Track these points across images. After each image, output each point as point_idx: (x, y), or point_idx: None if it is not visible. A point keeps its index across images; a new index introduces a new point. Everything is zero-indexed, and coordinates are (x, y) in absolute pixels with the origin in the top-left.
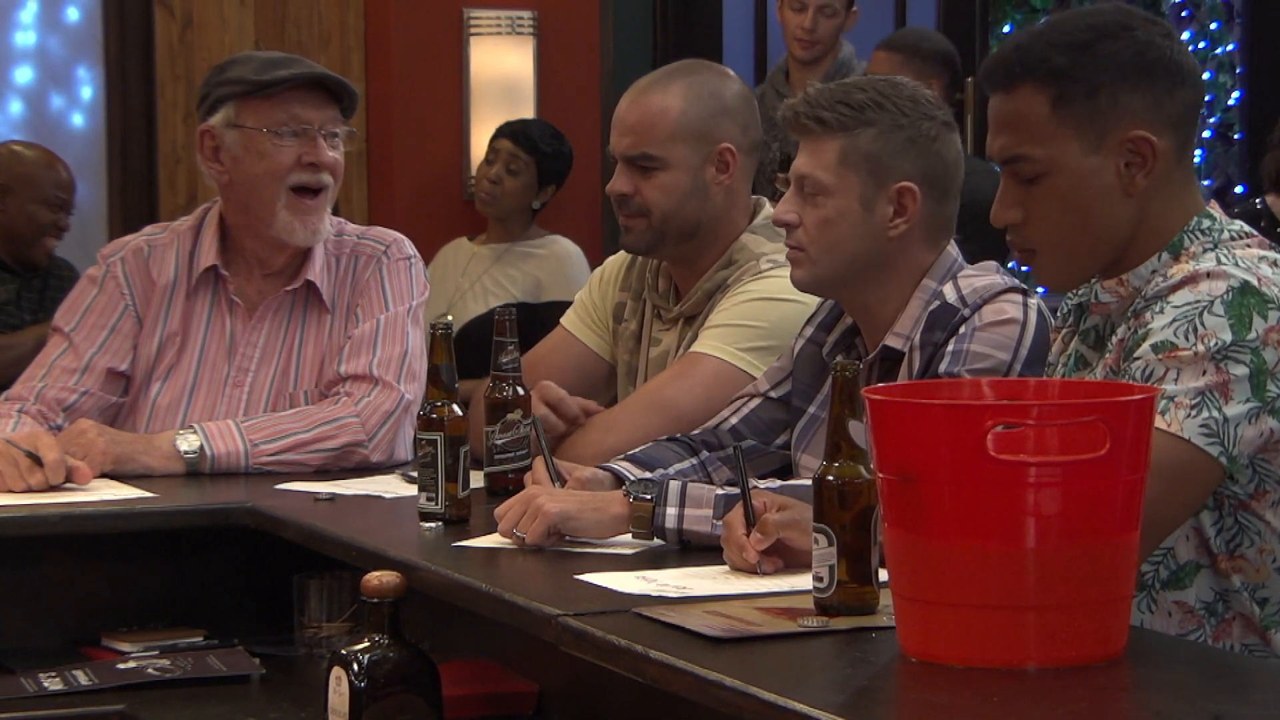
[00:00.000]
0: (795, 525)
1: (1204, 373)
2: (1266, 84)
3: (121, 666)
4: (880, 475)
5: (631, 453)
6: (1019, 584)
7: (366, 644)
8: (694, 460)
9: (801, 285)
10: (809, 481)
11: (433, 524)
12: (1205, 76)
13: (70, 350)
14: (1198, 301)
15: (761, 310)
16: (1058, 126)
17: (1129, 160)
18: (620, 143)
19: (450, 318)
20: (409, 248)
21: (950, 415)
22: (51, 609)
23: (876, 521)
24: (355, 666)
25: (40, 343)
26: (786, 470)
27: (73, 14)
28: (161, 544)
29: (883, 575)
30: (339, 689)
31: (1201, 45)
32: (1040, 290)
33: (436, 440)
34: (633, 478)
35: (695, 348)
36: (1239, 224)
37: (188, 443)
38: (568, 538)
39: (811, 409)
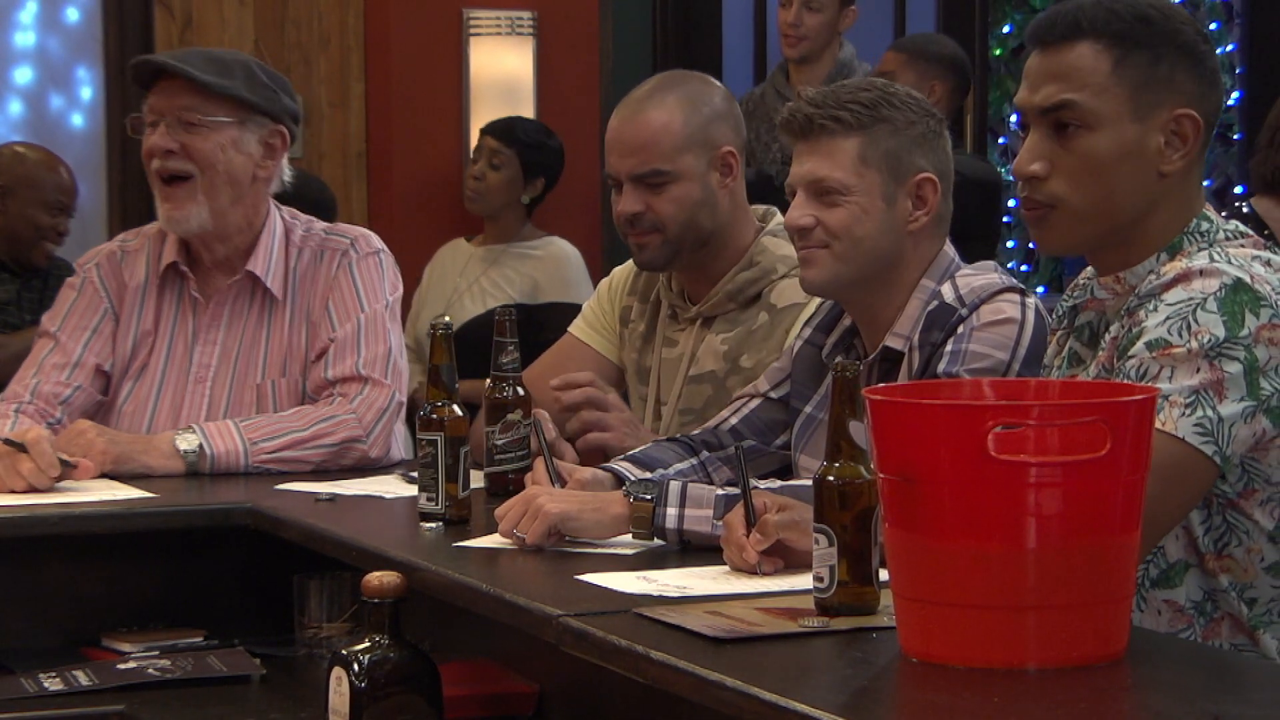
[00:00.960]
0: (795, 526)
1: (1198, 370)
2: (1266, 84)
3: (121, 667)
4: (881, 475)
5: (632, 453)
6: (1019, 584)
7: (367, 644)
8: (694, 460)
9: (817, 286)
10: (809, 482)
11: (433, 524)
12: None
13: (58, 348)
14: (1191, 299)
15: None
16: (1115, 85)
17: (1167, 139)
18: (625, 163)
19: (449, 318)
20: (376, 241)
21: (951, 415)
22: (51, 609)
23: (877, 522)
24: (356, 667)
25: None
26: (786, 470)
27: (72, 14)
28: (162, 544)
29: (883, 575)
30: (339, 689)
31: None
32: (1040, 290)
33: (437, 440)
34: (633, 478)
35: None
36: (1235, 224)
37: (187, 442)
38: (568, 538)
39: (808, 409)
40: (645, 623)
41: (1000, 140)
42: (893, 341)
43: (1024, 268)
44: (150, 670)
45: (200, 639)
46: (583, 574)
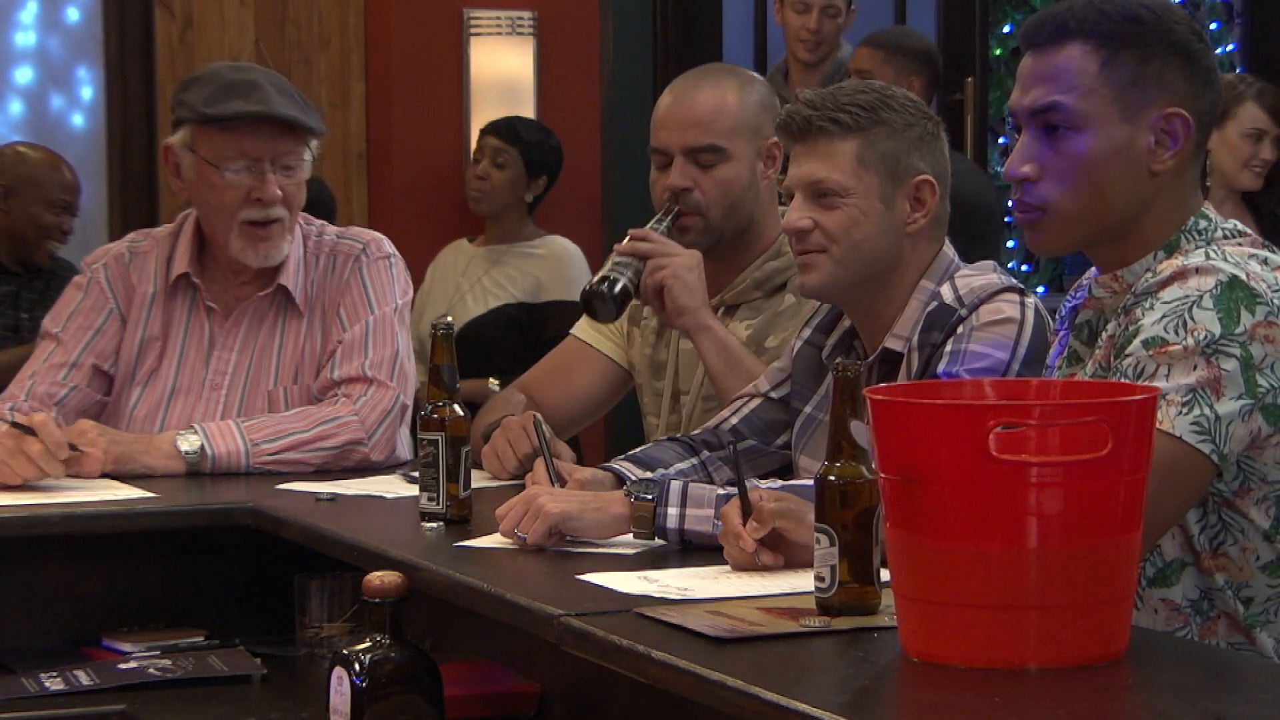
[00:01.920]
0: (791, 515)
1: (1194, 368)
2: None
3: (122, 667)
4: (882, 475)
5: (632, 453)
6: (1021, 584)
7: (368, 644)
8: (695, 460)
9: (816, 290)
10: (810, 482)
11: (434, 524)
12: None
13: (59, 348)
14: (1187, 297)
15: None
16: (1103, 86)
17: (1159, 138)
18: (681, 136)
19: (450, 318)
20: (388, 246)
21: (952, 415)
22: (52, 609)
23: (878, 521)
24: (357, 666)
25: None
26: (787, 470)
27: (73, 14)
28: (163, 544)
29: (884, 575)
30: (340, 689)
31: None
32: (1040, 290)
33: (438, 440)
34: (633, 478)
35: None
36: (1233, 223)
37: (188, 442)
38: (569, 538)
39: (808, 410)
40: (646, 622)
41: (1000, 140)
42: (892, 343)
43: (1024, 268)
44: (151, 670)
45: (201, 639)
46: (584, 574)
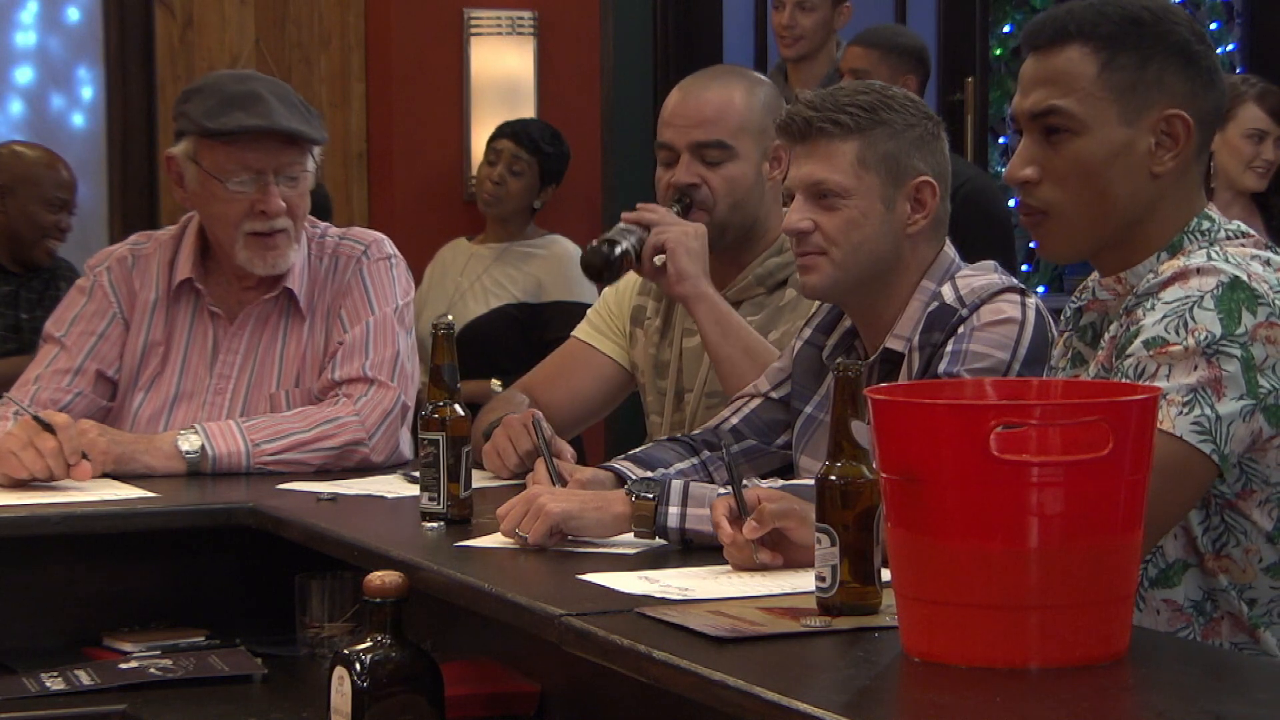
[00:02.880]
0: (792, 515)
1: (1195, 368)
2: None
3: (123, 666)
4: (883, 475)
5: (632, 452)
6: (1022, 584)
7: (369, 644)
8: (695, 460)
9: (817, 291)
10: (810, 481)
11: (434, 524)
12: None
13: (63, 353)
14: (1188, 297)
15: None
16: (1102, 89)
17: (1159, 140)
18: (688, 133)
19: (451, 317)
20: (389, 247)
21: (953, 415)
22: (53, 609)
23: (879, 521)
24: (358, 666)
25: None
26: (788, 470)
27: (73, 14)
28: (163, 544)
29: (885, 575)
30: (341, 689)
31: None
32: (1040, 290)
33: (438, 440)
34: (634, 477)
35: None
36: (1236, 224)
37: (189, 443)
38: (570, 537)
39: (809, 410)
40: (647, 622)
41: (1000, 140)
42: (893, 343)
43: (1024, 267)
44: (152, 670)
45: (202, 639)
46: (585, 574)
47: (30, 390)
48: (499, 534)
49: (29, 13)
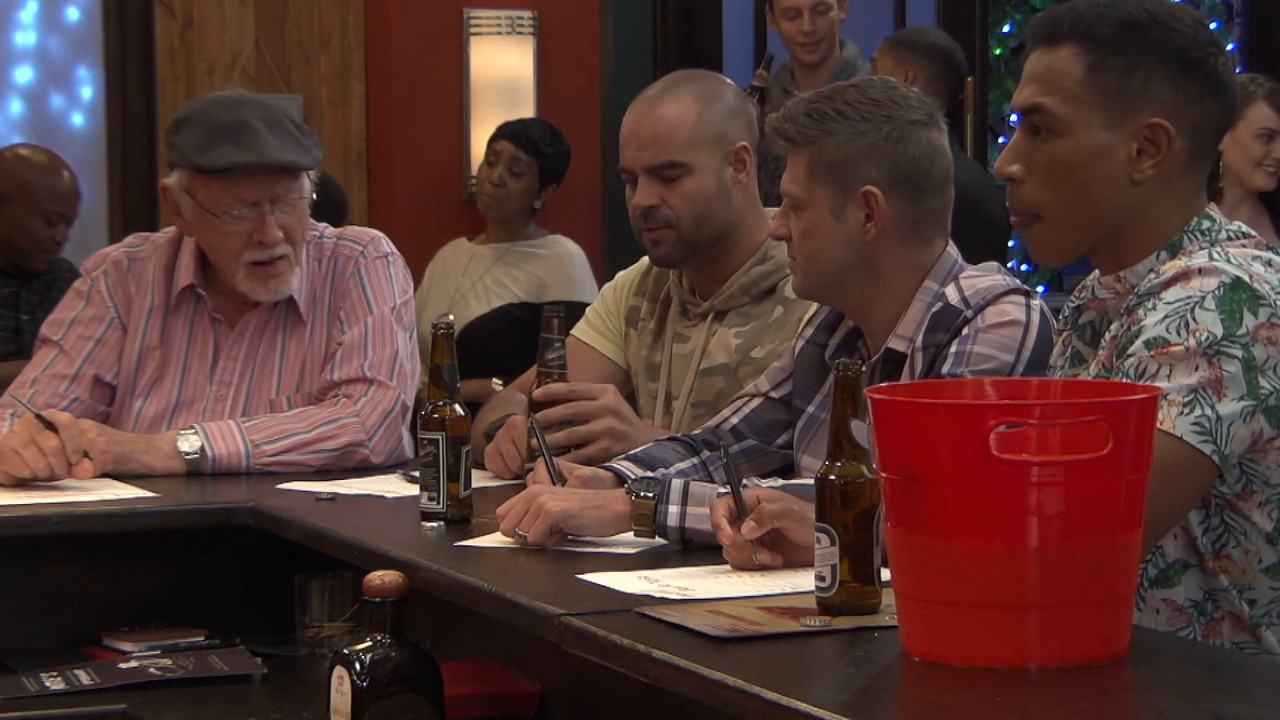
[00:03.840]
0: (791, 515)
1: (1196, 369)
2: None
3: (123, 666)
4: (883, 475)
5: (632, 452)
6: (1021, 583)
7: (369, 644)
8: (695, 460)
9: (798, 293)
10: (810, 481)
11: (434, 524)
12: None
13: (61, 357)
14: (1189, 297)
15: None
16: (1086, 91)
17: (1141, 147)
18: (640, 156)
19: (451, 317)
20: (386, 245)
21: (953, 415)
22: (53, 609)
23: (879, 521)
24: (358, 666)
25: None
26: (788, 470)
27: (73, 14)
28: (163, 544)
29: (885, 575)
30: (341, 689)
31: None
32: (1040, 290)
33: (438, 440)
34: (633, 477)
35: None
36: (1238, 224)
37: (189, 443)
38: (570, 536)
39: (811, 409)
40: (647, 622)
41: (1000, 140)
42: (895, 343)
43: (1024, 267)
44: (152, 670)
45: (202, 638)
46: (585, 573)
47: (27, 393)
48: (499, 533)
49: (29, 12)
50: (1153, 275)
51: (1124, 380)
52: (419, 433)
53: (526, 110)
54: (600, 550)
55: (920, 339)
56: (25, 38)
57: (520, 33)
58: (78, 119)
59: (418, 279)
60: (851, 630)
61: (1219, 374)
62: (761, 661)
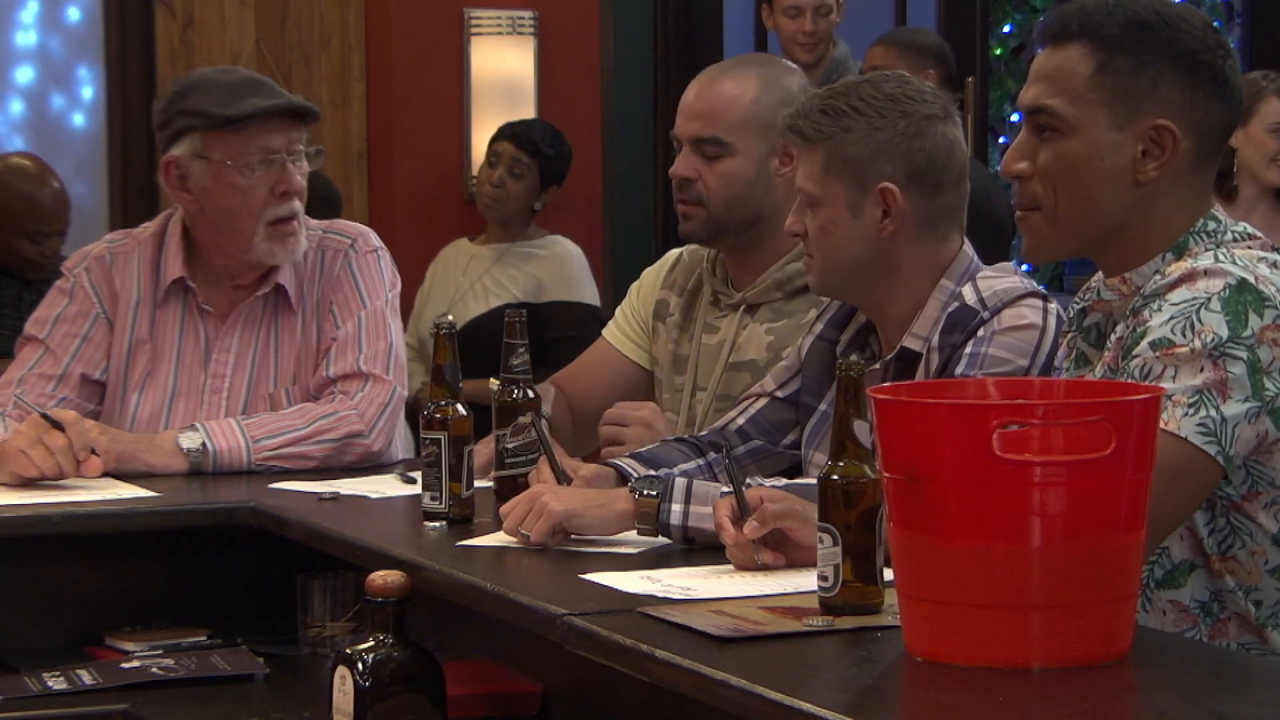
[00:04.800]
0: (794, 515)
1: (1201, 370)
2: None
3: (125, 666)
4: (885, 475)
5: (637, 451)
6: (1024, 583)
7: (371, 643)
8: (700, 461)
9: (814, 290)
10: (813, 480)
11: (436, 523)
12: None
13: (47, 356)
14: (1195, 299)
15: None
16: (1093, 91)
17: (1147, 148)
18: (689, 126)
19: (451, 317)
20: (374, 239)
21: (955, 415)
22: (55, 609)
23: (881, 521)
24: (360, 666)
25: None
26: (795, 470)
27: (73, 14)
28: (165, 543)
29: (888, 575)
30: (343, 688)
31: None
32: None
33: (440, 440)
34: (636, 475)
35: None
36: (1243, 225)
37: (190, 440)
38: (573, 536)
39: (822, 406)
40: (650, 622)
41: (1001, 140)
42: (910, 342)
43: (1024, 266)
44: (154, 669)
45: (204, 638)
46: (587, 573)
47: (14, 396)
48: (501, 533)
49: (29, 12)
50: (1158, 277)
51: (1129, 381)
52: (421, 433)
53: (527, 110)
54: (603, 550)
55: (936, 339)
56: (26, 38)
57: (521, 33)
58: (78, 119)
59: (418, 279)
60: (854, 630)
61: (1224, 375)
62: (764, 661)
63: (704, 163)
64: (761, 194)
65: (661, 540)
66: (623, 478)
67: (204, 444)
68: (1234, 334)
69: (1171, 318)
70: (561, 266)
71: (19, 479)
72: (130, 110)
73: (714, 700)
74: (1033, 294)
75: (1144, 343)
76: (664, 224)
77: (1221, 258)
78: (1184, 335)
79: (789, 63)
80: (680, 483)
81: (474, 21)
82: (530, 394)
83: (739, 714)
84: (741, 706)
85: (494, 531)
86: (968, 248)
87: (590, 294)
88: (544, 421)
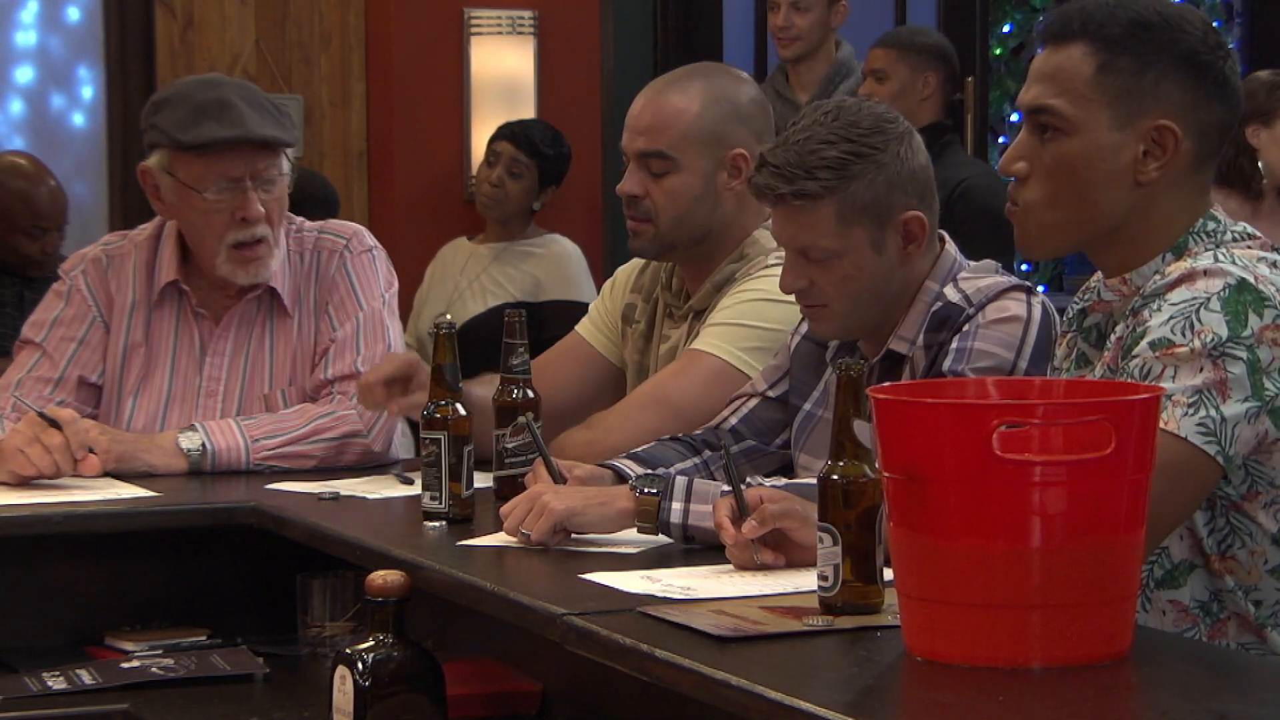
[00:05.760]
0: (794, 515)
1: (1201, 370)
2: None
3: (125, 666)
4: (885, 474)
5: (633, 451)
6: (1024, 583)
7: (371, 643)
8: (696, 460)
9: (830, 336)
10: (813, 480)
11: (436, 523)
12: None
13: (44, 360)
14: (1194, 299)
15: (763, 310)
16: (1095, 91)
17: (1148, 148)
18: (634, 141)
19: (450, 317)
20: (369, 239)
21: (956, 414)
22: (55, 608)
23: (881, 520)
24: (360, 666)
25: None
26: (788, 470)
27: (73, 14)
28: (165, 543)
29: (888, 574)
30: (343, 688)
31: None
32: (1040, 289)
33: (440, 439)
34: (634, 475)
35: (695, 344)
36: (1243, 225)
37: (190, 440)
38: (573, 535)
39: (807, 406)
40: (650, 622)
41: (1000, 140)
42: (897, 345)
43: (1024, 266)
44: (154, 669)
45: (204, 638)
46: (587, 573)
47: (11, 400)
48: (501, 533)
49: (29, 12)
50: (1158, 277)
51: (1129, 381)
52: (421, 432)
53: (527, 110)
54: (603, 550)
55: (922, 338)
56: (26, 38)
57: (520, 33)
58: (78, 119)
59: (418, 279)
60: (854, 630)
61: (1224, 375)
62: (764, 661)
63: (651, 179)
64: (709, 209)
65: (662, 539)
66: (618, 477)
67: (203, 444)
68: (1234, 334)
69: (1171, 318)
70: (559, 266)
71: (17, 478)
72: (130, 110)
73: (714, 700)
74: (1016, 287)
75: (1144, 343)
76: None
77: (1221, 257)
78: (1184, 335)
79: (740, 72)
80: (681, 481)
81: (474, 21)
82: (530, 394)
83: (739, 714)
84: (742, 706)
85: (493, 531)
86: (950, 247)
87: (589, 293)
88: (538, 423)
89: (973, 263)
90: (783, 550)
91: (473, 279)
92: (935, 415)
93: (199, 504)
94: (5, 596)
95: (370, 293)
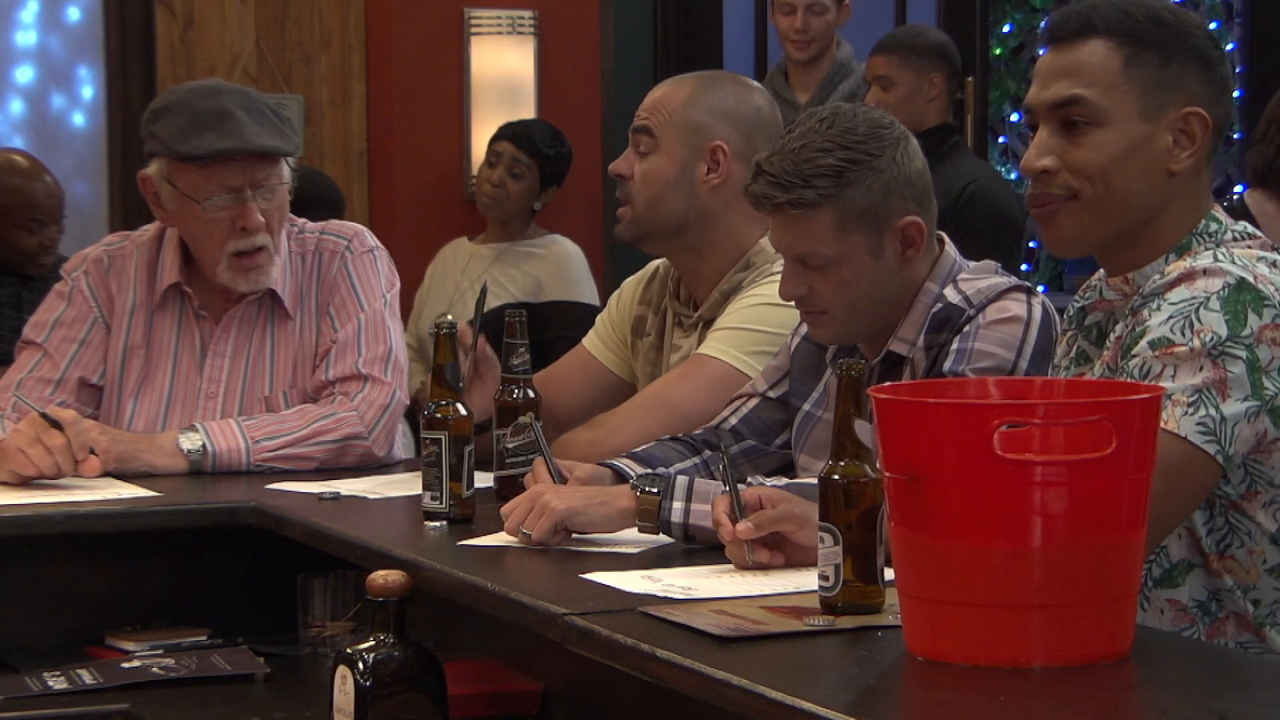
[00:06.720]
0: (792, 518)
1: (1200, 369)
2: (1266, 84)
3: (126, 666)
4: (886, 474)
5: (633, 451)
6: (1025, 583)
7: (371, 643)
8: (696, 460)
9: (829, 342)
10: (814, 481)
11: (437, 523)
12: None
13: (45, 360)
14: (1194, 298)
15: (767, 314)
16: (1125, 83)
17: (1176, 138)
18: (634, 121)
19: (451, 317)
20: (370, 239)
21: (956, 414)
22: (56, 608)
23: (882, 520)
24: (360, 665)
25: None
26: (789, 470)
27: (73, 13)
28: (165, 543)
29: (888, 574)
30: (344, 688)
31: None
32: (1040, 289)
33: (441, 439)
34: (634, 474)
35: (701, 349)
36: (1243, 225)
37: (190, 441)
38: (574, 535)
39: (806, 407)
40: (651, 621)
41: (1000, 140)
42: (897, 346)
43: (1024, 266)
44: (154, 669)
45: (204, 638)
46: (588, 573)
47: (12, 400)
48: (502, 533)
49: (29, 12)
50: (1158, 276)
51: (1128, 380)
52: (421, 432)
53: (527, 110)
54: (603, 550)
55: (922, 339)
56: (26, 37)
57: (521, 33)
58: (78, 119)
59: (418, 279)
60: (855, 630)
61: (1223, 374)
62: (765, 661)
63: (637, 158)
64: (684, 197)
65: (662, 539)
66: (619, 477)
67: (204, 445)
68: (1233, 333)
69: (1170, 317)
70: (560, 266)
71: (18, 478)
72: (130, 110)
73: (715, 700)
74: (1016, 288)
75: (1143, 342)
76: None
77: (1220, 257)
78: (1183, 334)
79: (754, 83)
80: (682, 480)
81: (474, 21)
82: (530, 394)
83: (740, 714)
84: (743, 706)
85: (494, 531)
86: (950, 249)
87: (589, 294)
88: (539, 423)
89: (972, 263)
90: (782, 551)
91: (474, 279)
92: (936, 415)
93: (199, 504)
94: (6, 596)
95: (372, 293)
